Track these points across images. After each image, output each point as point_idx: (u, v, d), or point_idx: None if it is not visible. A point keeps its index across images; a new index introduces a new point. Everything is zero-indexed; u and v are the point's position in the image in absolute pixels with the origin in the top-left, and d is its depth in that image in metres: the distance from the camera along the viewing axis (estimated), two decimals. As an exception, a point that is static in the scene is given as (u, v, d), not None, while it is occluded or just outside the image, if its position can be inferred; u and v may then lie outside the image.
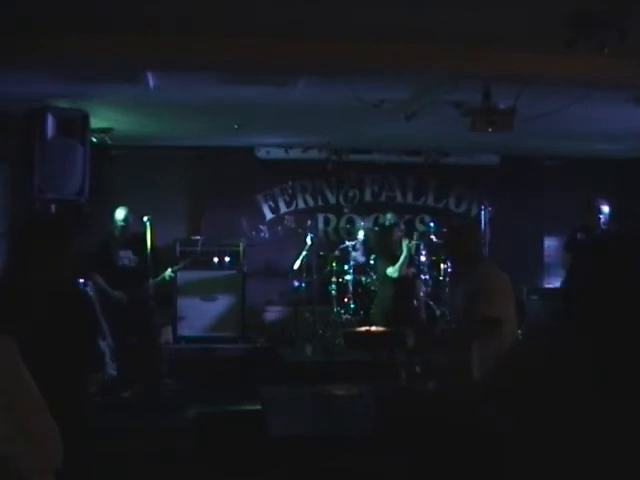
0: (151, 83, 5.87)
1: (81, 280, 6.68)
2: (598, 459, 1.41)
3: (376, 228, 9.37)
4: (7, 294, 2.86)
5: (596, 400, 1.43)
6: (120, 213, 7.36)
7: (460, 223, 4.45)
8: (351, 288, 8.60)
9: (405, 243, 7.83)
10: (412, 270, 8.10)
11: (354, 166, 9.81)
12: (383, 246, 8.09)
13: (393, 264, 7.78)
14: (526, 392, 1.51)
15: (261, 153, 9.59)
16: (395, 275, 7.79)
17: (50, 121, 6.27)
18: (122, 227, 7.34)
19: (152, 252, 7.28)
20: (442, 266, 8.57)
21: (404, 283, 7.93)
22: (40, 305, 2.84)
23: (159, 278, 7.41)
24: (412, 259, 8.22)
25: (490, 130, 5.99)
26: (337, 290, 8.68)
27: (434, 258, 8.61)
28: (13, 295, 2.83)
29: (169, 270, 7.51)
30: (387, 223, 9.10)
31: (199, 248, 8.81)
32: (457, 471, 3.16)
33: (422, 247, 8.55)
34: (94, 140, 7.45)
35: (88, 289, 6.94)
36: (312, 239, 8.84)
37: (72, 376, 2.92)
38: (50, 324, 2.80)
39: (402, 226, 9.00)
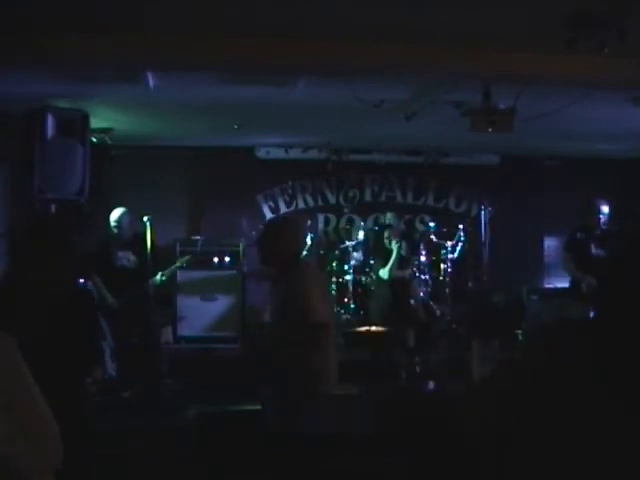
0: (151, 83, 5.88)
1: (81, 280, 6.68)
2: (598, 459, 1.41)
3: (375, 228, 9.39)
4: (7, 294, 2.86)
5: (598, 401, 1.43)
6: (114, 215, 7.31)
7: (276, 221, 3.91)
8: (351, 288, 8.60)
9: (393, 243, 7.85)
10: (408, 270, 8.11)
11: (354, 166, 9.81)
12: (377, 247, 8.13)
13: (385, 266, 7.82)
14: (526, 392, 1.51)
15: (261, 153, 9.59)
16: (386, 277, 7.81)
17: (50, 121, 6.27)
18: (116, 228, 7.30)
19: (152, 252, 7.26)
20: (442, 266, 8.57)
21: (400, 283, 7.95)
22: (40, 305, 2.84)
23: (151, 281, 7.35)
24: (409, 259, 8.24)
25: (490, 130, 5.99)
26: (337, 290, 8.68)
27: (434, 258, 8.61)
28: (13, 295, 2.83)
29: (159, 274, 7.46)
30: (386, 223, 9.11)
31: (199, 248, 8.81)
32: (457, 471, 3.16)
33: (422, 247, 8.56)
34: (94, 140, 7.45)
35: (89, 288, 6.94)
36: (312, 239, 8.85)
37: (72, 376, 2.92)
38: (50, 324, 2.80)
39: (402, 226, 9.02)
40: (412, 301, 8.07)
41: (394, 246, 7.85)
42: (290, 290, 3.99)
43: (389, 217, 9.27)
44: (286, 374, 3.92)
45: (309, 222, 9.20)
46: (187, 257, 8.16)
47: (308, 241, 8.81)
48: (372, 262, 8.43)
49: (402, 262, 8.06)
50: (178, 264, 7.96)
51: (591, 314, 1.58)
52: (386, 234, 8.05)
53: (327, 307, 3.99)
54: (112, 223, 7.32)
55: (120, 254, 7.33)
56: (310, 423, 4.06)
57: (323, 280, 4.20)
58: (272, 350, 4.28)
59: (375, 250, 8.30)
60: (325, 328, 3.88)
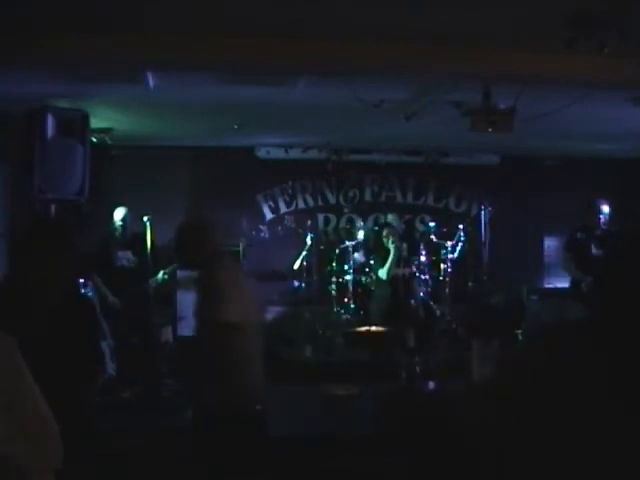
0: (151, 83, 5.88)
1: (81, 280, 6.68)
2: (598, 459, 1.41)
3: (375, 228, 9.39)
4: (7, 294, 2.86)
5: (598, 401, 1.43)
6: (118, 213, 7.36)
7: (189, 223, 3.85)
8: (351, 288, 8.60)
9: (390, 243, 7.85)
10: (408, 270, 8.11)
11: (354, 166, 9.82)
12: (377, 247, 8.14)
13: (383, 265, 7.82)
14: (526, 392, 1.51)
15: (261, 153, 9.59)
16: (384, 277, 7.81)
17: (50, 121, 6.27)
18: (121, 227, 7.33)
19: (152, 252, 7.27)
20: (442, 266, 8.58)
21: (400, 283, 7.95)
22: (40, 305, 2.84)
23: (153, 279, 7.38)
24: (409, 259, 8.24)
25: (490, 130, 5.99)
26: (337, 290, 8.68)
27: (434, 258, 8.61)
28: (13, 295, 2.83)
29: (161, 273, 7.47)
30: (386, 222, 9.12)
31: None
32: (457, 471, 3.16)
33: (422, 247, 8.56)
34: (94, 140, 7.45)
35: (88, 289, 6.95)
36: (312, 239, 8.85)
37: (72, 376, 2.92)
38: (50, 324, 2.80)
39: (402, 226, 9.02)
40: (412, 301, 8.07)
41: (391, 245, 7.85)
42: (202, 291, 3.96)
43: (390, 218, 9.29)
44: (201, 376, 3.89)
45: (309, 222, 9.21)
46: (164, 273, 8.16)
47: (308, 241, 8.82)
48: (372, 262, 8.43)
49: (401, 261, 8.06)
50: (176, 264, 7.95)
51: (590, 314, 1.59)
52: (384, 233, 8.05)
53: (244, 307, 3.86)
54: (117, 222, 7.33)
55: (120, 254, 7.33)
56: (310, 423, 4.07)
57: (241, 280, 4.14)
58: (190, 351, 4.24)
59: (375, 250, 8.30)
60: (237, 329, 3.77)
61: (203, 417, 3.85)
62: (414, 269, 8.20)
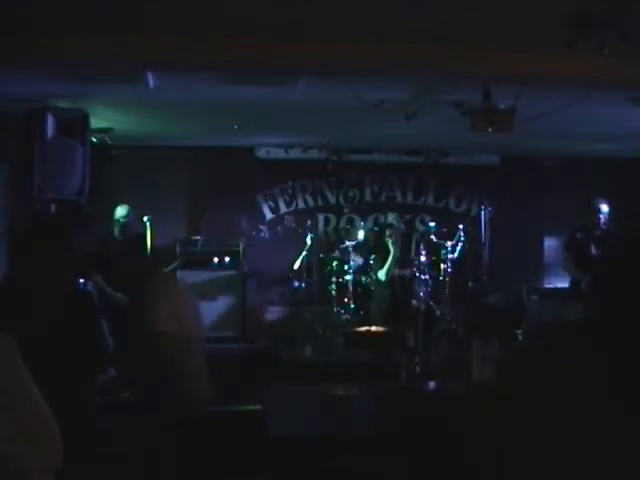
0: (151, 83, 5.87)
1: (81, 280, 6.67)
2: (598, 459, 1.41)
3: (375, 228, 9.39)
4: (7, 294, 2.86)
5: (598, 401, 1.43)
6: (122, 209, 7.36)
7: (127, 236, 4.04)
8: (351, 288, 8.60)
9: (391, 243, 7.84)
10: (409, 270, 8.11)
11: (354, 166, 9.81)
12: (377, 247, 8.14)
13: (383, 267, 7.82)
14: (526, 392, 1.51)
15: (261, 153, 9.59)
16: (383, 278, 7.81)
17: (50, 121, 6.27)
18: (124, 224, 7.31)
19: (152, 252, 7.26)
20: (442, 266, 8.57)
21: (400, 283, 7.95)
22: (40, 305, 2.84)
23: None
24: (409, 259, 8.23)
25: (490, 130, 5.99)
26: (337, 290, 8.67)
27: (434, 258, 8.61)
28: (13, 295, 2.83)
29: (172, 265, 7.53)
30: (388, 222, 9.10)
31: (199, 248, 8.81)
32: (457, 471, 3.16)
33: (422, 247, 8.55)
34: (94, 140, 7.45)
35: (88, 289, 6.94)
36: (312, 239, 8.85)
37: (72, 376, 2.92)
38: (50, 324, 2.80)
39: (402, 226, 9.01)
40: (412, 301, 8.07)
41: (392, 246, 7.84)
42: (132, 304, 4.00)
43: (391, 218, 9.26)
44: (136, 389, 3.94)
45: (309, 222, 9.21)
46: (176, 263, 8.18)
47: (308, 241, 8.82)
48: (372, 262, 8.43)
49: (402, 262, 8.06)
50: (177, 262, 7.98)
51: (590, 314, 1.59)
52: (387, 233, 8.04)
53: (178, 321, 3.88)
54: (121, 219, 7.33)
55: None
56: (310, 423, 4.07)
57: (176, 295, 4.14)
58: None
59: (376, 250, 8.30)
60: (166, 339, 3.81)
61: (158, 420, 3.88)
62: (414, 269, 8.20)
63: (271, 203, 9.84)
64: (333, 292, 8.67)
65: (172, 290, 4.22)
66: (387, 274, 7.84)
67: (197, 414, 3.82)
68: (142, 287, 3.98)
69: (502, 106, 5.96)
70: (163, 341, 3.78)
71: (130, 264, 4.07)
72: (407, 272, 8.11)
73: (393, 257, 7.83)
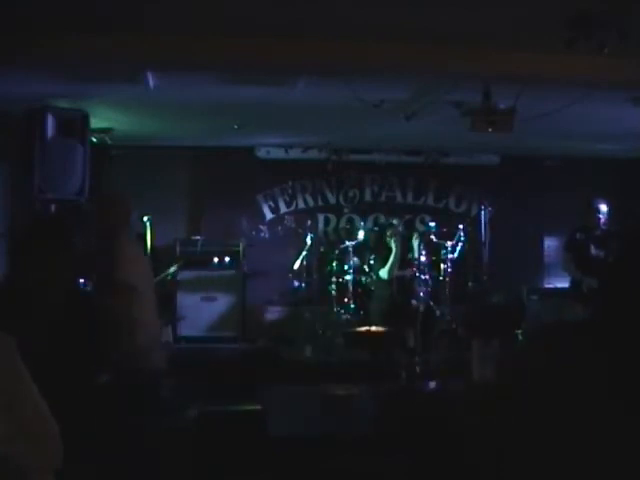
0: (151, 83, 5.87)
1: (81, 280, 6.67)
2: (598, 459, 1.41)
3: (375, 228, 9.38)
4: (7, 294, 2.86)
5: (598, 401, 1.43)
6: None
7: (101, 196, 4.81)
8: (351, 288, 8.60)
9: (393, 242, 7.83)
10: (410, 271, 8.11)
11: (354, 166, 9.81)
12: (378, 247, 8.13)
13: (384, 266, 7.81)
14: (526, 392, 1.51)
15: (261, 153, 9.59)
16: (385, 277, 7.81)
17: (50, 121, 6.27)
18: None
19: (152, 252, 7.27)
20: (442, 266, 8.57)
21: (401, 283, 7.94)
22: (40, 305, 2.84)
23: (163, 275, 7.42)
24: (410, 259, 8.23)
25: (490, 130, 5.99)
26: (337, 290, 8.67)
27: (434, 258, 8.61)
28: (13, 295, 2.83)
29: (173, 267, 7.54)
30: (389, 222, 9.08)
31: (199, 248, 8.81)
32: (457, 471, 3.16)
33: (422, 247, 8.55)
34: (94, 140, 7.45)
35: (88, 290, 6.93)
36: (312, 239, 8.85)
37: (72, 376, 2.92)
38: (50, 324, 2.80)
39: (400, 228, 9.00)
40: (412, 301, 8.06)
41: (393, 245, 7.84)
42: (104, 253, 4.52)
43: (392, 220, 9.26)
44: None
45: (309, 222, 9.21)
46: (177, 264, 8.17)
47: (308, 241, 8.82)
48: (372, 262, 8.43)
49: (402, 262, 8.06)
50: (172, 269, 7.97)
51: (590, 314, 1.59)
52: (388, 232, 8.03)
53: (140, 274, 4.38)
54: None
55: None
56: (310, 423, 4.07)
57: (139, 252, 4.82)
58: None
59: (376, 249, 8.29)
60: (132, 290, 4.19)
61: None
62: (414, 269, 8.20)
63: (271, 203, 9.84)
64: (333, 292, 8.67)
65: (139, 249, 4.82)
66: (389, 272, 7.83)
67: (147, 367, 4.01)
68: (114, 241, 4.44)
69: (502, 106, 5.96)
70: (129, 289, 4.18)
71: (102, 220, 4.60)
72: (407, 272, 8.10)
73: (395, 256, 7.82)
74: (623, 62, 4.99)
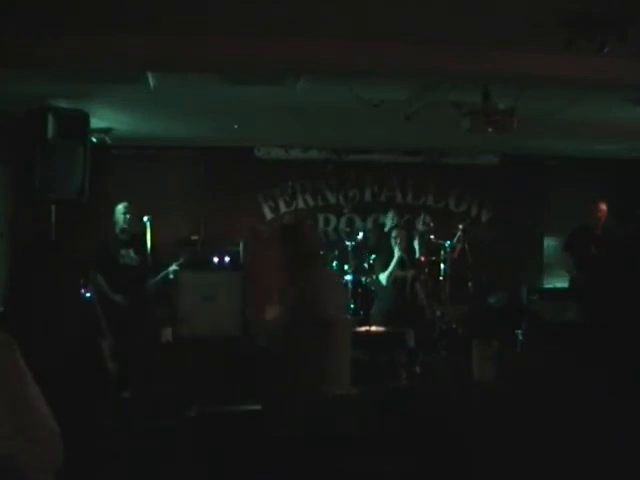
0: (151, 83, 5.88)
1: (82, 280, 6.67)
2: (598, 457, 1.42)
3: (379, 228, 9.37)
4: (7, 294, 2.86)
5: (597, 400, 1.44)
6: (122, 207, 7.35)
7: (294, 223, 4.28)
8: (351, 288, 8.60)
9: (396, 245, 7.79)
10: (411, 272, 8.09)
11: (354, 166, 9.82)
12: (379, 247, 8.11)
13: (385, 270, 7.77)
14: (527, 392, 1.52)
15: (261, 153, 9.60)
16: (384, 282, 7.75)
17: (50, 121, 6.27)
18: (124, 220, 7.29)
19: (152, 252, 7.27)
20: (442, 266, 8.57)
21: (402, 283, 7.93)
22: (41, 305, 2.84)
23: (162, 275, 7.43)
24: (411, 260, 8.21)
25: (490, 130, 5.99)
26: (337, 290, 8.65)
27: (434, 258, 8.61)
28: (13, 296, 2.84)
29: (174, 265, 7.55)
30: (389, 223, 9.05)
31: (199, 248, 8.81)
32: (457, 471, 3.16)
33: (422, 247, 8.54)
34: (94, 140, 7.45)
35: (89, 289, 6.94)
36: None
37: (73, 377, 2.92)
38: (51, 325, 2.80)
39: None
40: (413, 301, 8.05)
41: (396, 248, 7.78)
42: (307, 290, 4.06)
43: (390, 216, 9.23)
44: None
45: (309, 222, 9.21)
46: (178, 263, 8.17)
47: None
48: (372, 262, 8.42)
49: (404, 264, 8.02)
50: (174, 267, 7.97)
51: (590, 314, 1.58)
52: (393, 234, 7.97)
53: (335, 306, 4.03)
54: (120, 216, 7.31)
55: (123, 252, 7.33)
56: (310, 423, 4.06)
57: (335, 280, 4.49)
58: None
59: (376, 250, 8.27)
60: (332, 325, 3.89)
61: None
62: (414, 269, 8.18)
63: (271, 203, 9.84)
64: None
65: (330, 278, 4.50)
66: (389, 278, 7.77)
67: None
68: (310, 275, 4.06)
69: (502, 106, 5.97)
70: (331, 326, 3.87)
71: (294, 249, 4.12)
72: (407, 272, 8.09)
73: (397, 261, 7.77)
74: (623, 62, 4.99)
